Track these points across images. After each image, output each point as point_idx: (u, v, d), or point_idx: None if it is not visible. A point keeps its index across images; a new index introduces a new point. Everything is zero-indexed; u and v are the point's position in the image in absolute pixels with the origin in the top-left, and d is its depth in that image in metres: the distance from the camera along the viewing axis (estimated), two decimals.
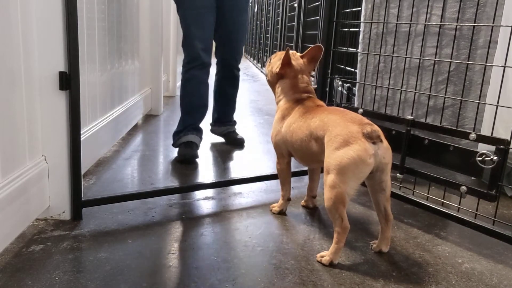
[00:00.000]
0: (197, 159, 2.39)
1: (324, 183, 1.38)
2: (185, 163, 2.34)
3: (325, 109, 1.57)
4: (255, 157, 2.57)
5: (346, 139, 1.34)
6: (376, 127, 1.36)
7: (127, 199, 1.73)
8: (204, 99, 2.52)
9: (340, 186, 1.33)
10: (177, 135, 2.47)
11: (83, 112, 1.69)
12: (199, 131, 2.50)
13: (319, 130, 1.46)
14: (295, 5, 5.39)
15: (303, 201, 1.86)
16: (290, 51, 1.74)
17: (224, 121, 2.83)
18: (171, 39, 4.50)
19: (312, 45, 1.76)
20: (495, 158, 1.47)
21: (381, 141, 1.35)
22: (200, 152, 2.49)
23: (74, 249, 1.39)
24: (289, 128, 1.61)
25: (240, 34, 2.60)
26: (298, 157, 1.64)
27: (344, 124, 1.38)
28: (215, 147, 2.75)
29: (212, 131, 2.87)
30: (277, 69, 1.71)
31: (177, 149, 2.45)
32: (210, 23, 2.44)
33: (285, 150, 1.68)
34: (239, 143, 2.78)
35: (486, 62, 1.67)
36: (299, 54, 1.77)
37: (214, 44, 2.61)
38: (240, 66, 2.74)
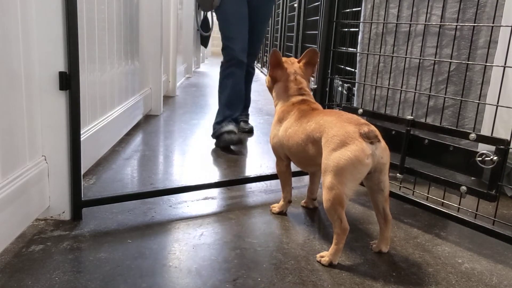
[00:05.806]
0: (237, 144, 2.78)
1: (322, 184, 1.38)
2: (229, 145, 2.67)
3: (321, 111, 1.56)
4: (255, 157, 2.58)
5: (343, 139, 1.33)
6: (373, 127, 1.35)
7: (127, 199, 1.73)
8: (241, 93, 2.84)
9: (338, 187, 1.32)
10: (218, 125, 2.73)
11: (83, 112, 1.69)
12: (236, 122, 2.80)
13: (315, 133, 1.45)
14: (295, 5, 5.39)
15: (303, 201, 1.85)
16: (289, 58, 1.74)
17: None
18: (171, 39, 4.49)
19: (310, 47, 1.76)
20: (495, 158, 1.47)
21: (379, 141, 1.35)
22: (199, 152, 2.58)
23: (74, 249, 1.39)
24: (286, 132, 1.61)
25: (256, 39, 2.93)
26: (295, 161, 1.64)
27: (340, 125, 1.37)
28: (215, 147, 2.75)
29: None
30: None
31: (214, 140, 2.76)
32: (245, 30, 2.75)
33: (282, 153, 1.68)
34: (248, 131, 3.20)
35: (486, 62, 1.67)
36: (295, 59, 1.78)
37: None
38: None
